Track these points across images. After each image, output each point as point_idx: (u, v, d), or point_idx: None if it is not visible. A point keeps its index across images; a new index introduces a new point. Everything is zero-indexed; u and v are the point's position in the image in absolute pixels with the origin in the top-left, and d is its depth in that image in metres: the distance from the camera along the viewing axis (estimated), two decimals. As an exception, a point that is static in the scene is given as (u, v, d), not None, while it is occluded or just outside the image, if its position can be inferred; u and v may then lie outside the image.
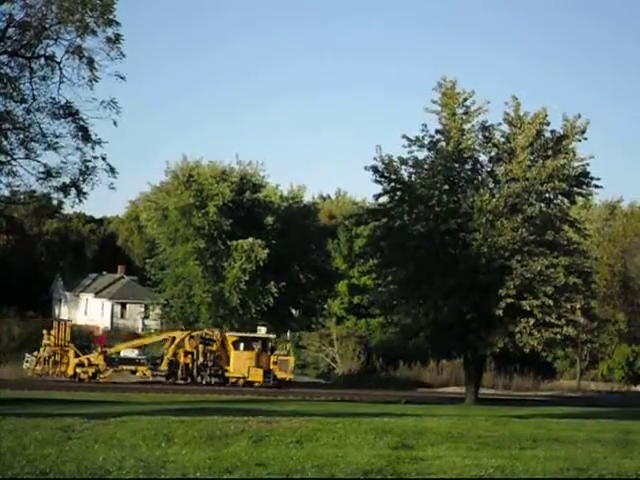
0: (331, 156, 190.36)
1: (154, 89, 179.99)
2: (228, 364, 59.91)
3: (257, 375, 59.52)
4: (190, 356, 59.07)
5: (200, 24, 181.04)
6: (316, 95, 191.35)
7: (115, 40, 32.16)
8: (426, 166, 52.11)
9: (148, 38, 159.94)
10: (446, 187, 51.65)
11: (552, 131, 51.60)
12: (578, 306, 51.47)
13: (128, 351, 61.39)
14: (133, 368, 59.48)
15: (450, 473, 14.52)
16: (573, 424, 30.10)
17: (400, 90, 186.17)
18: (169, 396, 45.75)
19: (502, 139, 51.97)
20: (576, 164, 51.34)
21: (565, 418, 34.82)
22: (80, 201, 34.00)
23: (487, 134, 52.11)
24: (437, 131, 51.98)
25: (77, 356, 57.65)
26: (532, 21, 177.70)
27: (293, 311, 78.01)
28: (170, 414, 24.43)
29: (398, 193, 52.78)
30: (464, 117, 51.41)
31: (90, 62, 32.05)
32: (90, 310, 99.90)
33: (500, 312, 48.48)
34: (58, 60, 32.39)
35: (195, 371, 59.04)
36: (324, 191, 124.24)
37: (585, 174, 51.75)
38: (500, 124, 52.01)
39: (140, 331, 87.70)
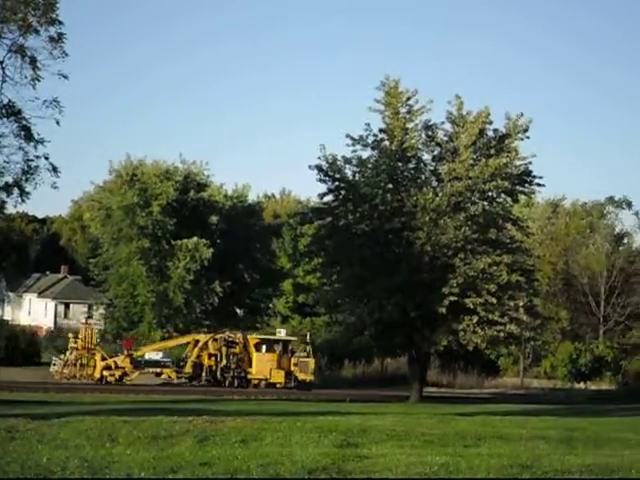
0: (276, 155, 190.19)
1: (96, 86, 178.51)
2: (250, 366, 60.25)
3: (279, 377, 60.00)
4: (214, 358, 59.44)
5: (130, 17, 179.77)
6: (261, 95, 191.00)
7: (58, 39, 31.92)
8: (370, 165, 52.20)
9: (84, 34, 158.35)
10: (390, 186, 51.82)
11: (495, 130, 51.98)
12: (521, 304, 51.84)
13: (153, 354, 61.71)
14: (159, 370, 59.78)
15: (395, 471, 14.56)
16: (517, 421, 30.38)
17: (344, 89, 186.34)
18: (114, 396, 45.37)
19: (445, 138, 52.22)
20: (518, 163, 51.74)
21: (509, 415, 35.16)
22: (23, 201, 33.83)
23: (430, 133, 52.32)
24: (381, 130, 52.11)
25: (104, 359, 57.90)
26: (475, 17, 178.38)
27: (238, 310, 77.93)
28: (115, 414, 24.27)
29: (342, 192, 52.83)
30: (407, 116, 51.58)
31: (33, 61, 31.80)
32: (33, 310, 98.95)
33: (444, 310, 48.72)
34: (0, 59, 32.09)
35: (219, 373, 59.30)
36: (269, 190, 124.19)
37: (527, 172, 52.14)
38: (443, 123, 52.37)
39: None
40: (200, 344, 59.72)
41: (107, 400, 40.57)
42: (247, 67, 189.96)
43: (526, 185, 52.98)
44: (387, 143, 51.72)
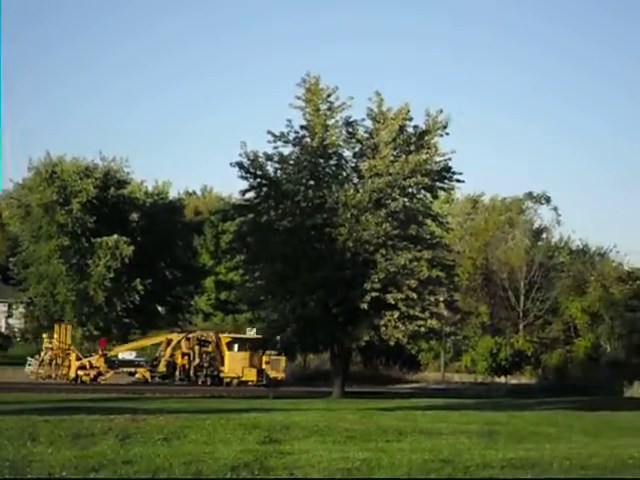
0: (197, 152, 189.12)
1: (18, 85, 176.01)
2: (223, 365, 60.55)
3: (251, 375, 60.52)
4: (187, 357, 59.59)
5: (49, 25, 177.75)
6: (178, 88, 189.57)
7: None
8: (291, 162, 52.27)
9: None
10: (311, 182, 51.97)
11: (415, 126, 52.32)
12: (441, 299, 52.25)
13: (126, 353, 62.55)
14: (133, 370, 59.87)
15: (317, 467, 14.65)
16: (438, 416, 30.69)
17: (267, 85, 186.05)
18: (35, 396, 44.78)
19: (366, 135, 52.45)
20: (438, 159, 52.17)
21: (430, 410, 35.45)
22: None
23: (351, 130, 52.50)
24: (302, 127, 52.18)
25: (79, 359, 57.86)
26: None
27: (159, 308, 77.50)
28: (36, 413, 24.06)
29: (264, 189, 52.79)
30: (328, 113, 51.73)
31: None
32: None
33: (365, 306, 48.95)
34: None
35: (192, 372, 59.41)
36: (190, 187, 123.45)
37: (447, 169, 52.61)
38: (364, 120, 52.60)
39: (3, 330, 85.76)
40: (173, 343, 59.94)
41: (31, 399, 39.96)
42: (160, 59, 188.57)
43: (446, 181, 53.49)
44: (308, 140, 51.81)
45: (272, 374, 60.66)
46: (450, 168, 52.62)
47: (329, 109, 51.71)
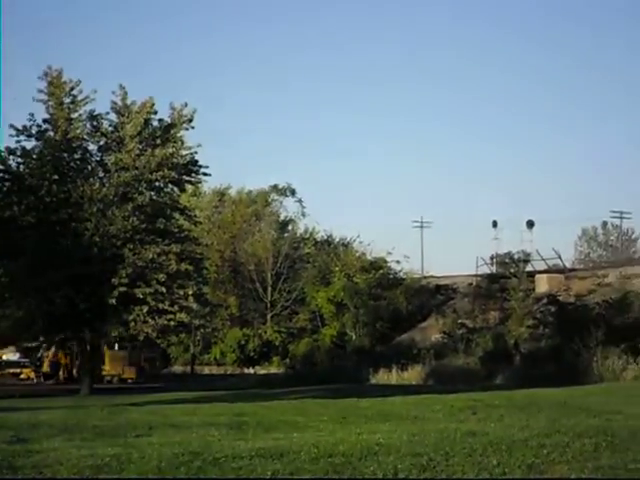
0: None
1: None
2: (104, 363, 61.82)
3: (130, 373, 63.17)
4: (69, 357, 60.52)
5: None
6: None
7: None
8: (35, 156, 51.24)
9: None
10: (56, 177, 51.00)
11: (160, 120, 52.26)
12: (190, 292, 52.36)
13: (10, 355, 63.45)
14: (18, 370, 61.06)
15: (66, 464, 14.52)
16: (188, 409, 30.89)
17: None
18: None
19: (111, 128, 52.02)
20: (185, 152, 52.29)
21: (180, 403, 35.66)
22: None
23: (95, 123, 51.88)
24: (45, 120, 51.17)
25: None
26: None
27: None
28: None
29: (7, 184, 51.54)
30: (71, 106, 50.99)
31: None
32: None
33: (114, 301, 48.54)
34: None
35: (74, 371, 59.86)
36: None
37: (194, 162, 52.83)
38: (108, 113, 52.13)
39: None
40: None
41: None
42: None
43: (193, 175, 53.71)
44: (52, 134, 50.91)
45: (154, 372, 62.81)
46: (196, 162, 52.87)
47: (72, 102, 50.98)
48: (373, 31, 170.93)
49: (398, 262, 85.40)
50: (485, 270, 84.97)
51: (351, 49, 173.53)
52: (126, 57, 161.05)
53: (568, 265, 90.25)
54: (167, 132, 51.93)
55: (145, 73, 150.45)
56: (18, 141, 51.12)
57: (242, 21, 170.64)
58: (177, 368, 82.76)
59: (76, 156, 52.31)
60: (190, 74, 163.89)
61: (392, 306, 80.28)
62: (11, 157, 51.39)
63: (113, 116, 51.98)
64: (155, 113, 51.85)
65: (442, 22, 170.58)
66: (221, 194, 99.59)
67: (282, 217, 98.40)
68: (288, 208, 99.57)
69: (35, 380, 59.76)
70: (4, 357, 63.45)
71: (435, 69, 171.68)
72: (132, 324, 49.74)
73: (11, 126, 50.55)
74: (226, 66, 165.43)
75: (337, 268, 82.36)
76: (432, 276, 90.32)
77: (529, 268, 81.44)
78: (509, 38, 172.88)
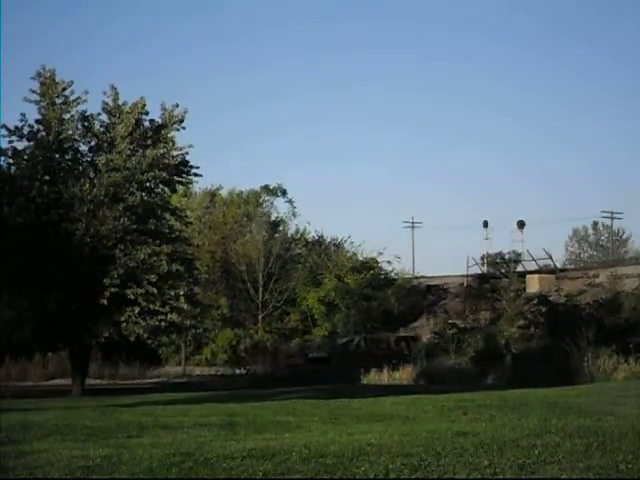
0: None
1: None
2: None
3: None
4: None
5: None
6: None
7: None
8: (26, 157, 51.22)
9: None
10: (47, 178, 50.98)
11: (151, 120, 52.29)
12: (182, 293, 52.32)
13: None
14: None
15: (57, 465, 14.52)
16: (179, 410, 30.85)
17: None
18: None
19: (102, 129, 52.02)
20: (176, 153, 52.35)
21: (171, 404, 35.55)
22: None
23: (87, 124, 51.91)
24: (37, 121, 51.15)
25: None
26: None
27: None
28: None
29: (-3, 184, 51.50)
30: (63, 107, 50.96)
31: None
32: None
33: (105, 302, 48.51)
34: None
35: None
36: None
37: (185, 163, 52.88)
38: (100, 114, 52.12)
39: None
40: None
41: None
42: None
43: (183, 175, 53.76)
44: (44, 134, 50.87)
45: None
46: (187, 162, 52.95)
47: (64, 103, 50.96)
48: (363, 38, 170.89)
49: (389, 262, 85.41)
50: (476, 270, 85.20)
51: (341, 53, 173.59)
52: (124, 58, 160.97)
53: (559, 265, 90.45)
54: (158, 132, 51.96)
55: (142, 75, 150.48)
56: (10, 142, 51.19)
57: (234, 25, 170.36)
58: (169, 369, 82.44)
59: (67, 157, 52.30)
60: (186, 79, 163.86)
61: (383, 306, 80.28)
62: (2, 158, 51.43)
63: (104, 117, 52.07)
64: (146, 114, 51.93)
65: (431, 30, 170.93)
66: (212, 195, 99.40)
67: (273, 218, 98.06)
68: (279, 209, 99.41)
69: None
70: None
71: (424, 74, 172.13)
72: (124, 325, 49.68)
73: (3, 126, 50.60)
74: (222, 72, 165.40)
75: (328, 269, 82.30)
76: (423, 276, 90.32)
77: (520, 268, 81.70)
78: (497, 44, 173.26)
